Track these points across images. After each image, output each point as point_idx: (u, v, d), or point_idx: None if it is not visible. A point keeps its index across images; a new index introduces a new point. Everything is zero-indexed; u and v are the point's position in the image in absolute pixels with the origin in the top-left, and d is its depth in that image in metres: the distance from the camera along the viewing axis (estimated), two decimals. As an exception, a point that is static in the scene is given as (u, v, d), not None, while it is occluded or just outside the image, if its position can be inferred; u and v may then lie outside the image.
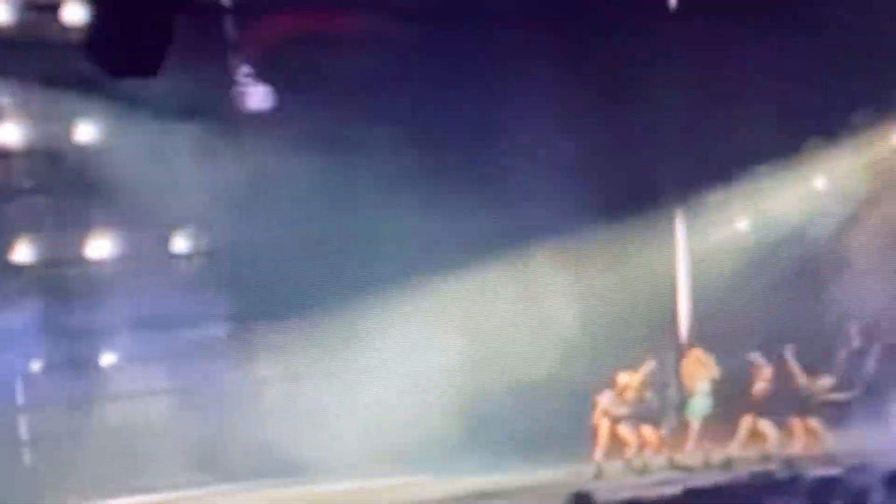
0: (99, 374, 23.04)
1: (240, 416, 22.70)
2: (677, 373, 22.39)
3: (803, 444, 20.87)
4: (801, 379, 21.09)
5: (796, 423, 21.07)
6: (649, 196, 23.77)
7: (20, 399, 22.94)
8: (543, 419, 22.95)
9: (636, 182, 23.50)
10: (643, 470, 21.06)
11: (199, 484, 21.77)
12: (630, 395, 21.35)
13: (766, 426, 20.95)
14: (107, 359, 23.35)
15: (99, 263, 23.21)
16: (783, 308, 23.24)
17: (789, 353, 21.26)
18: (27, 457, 22.74)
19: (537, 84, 23.20)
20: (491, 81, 23.28)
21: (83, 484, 21.44)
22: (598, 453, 21.21)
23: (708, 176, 23.72)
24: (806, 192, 24.11)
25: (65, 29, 21.18)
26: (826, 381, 21.41)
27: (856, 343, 23.33)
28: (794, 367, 21.13)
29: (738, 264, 23.65)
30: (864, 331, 23.33)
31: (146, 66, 13.07)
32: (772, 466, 18.58)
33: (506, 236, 23.16)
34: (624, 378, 21.43)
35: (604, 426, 21.25)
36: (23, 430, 22.90)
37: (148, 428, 21.21)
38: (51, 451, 22.37)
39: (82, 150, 22.67)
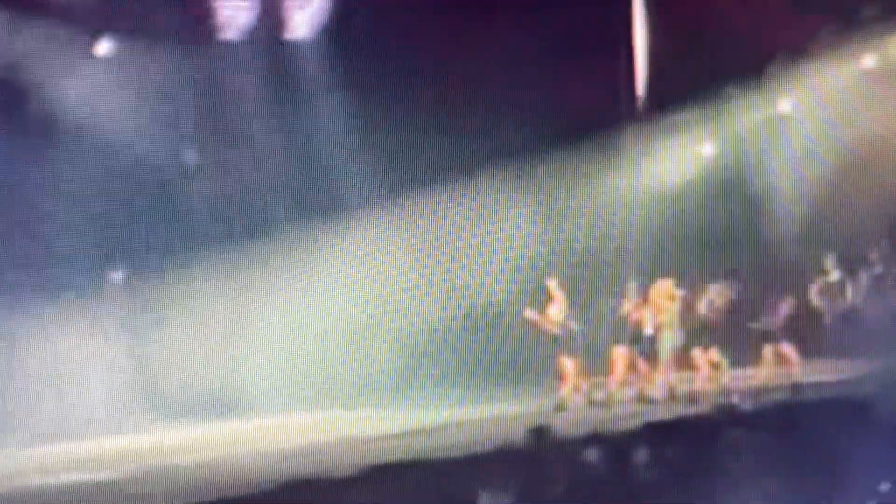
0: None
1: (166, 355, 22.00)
2: (645, 304, 21.58)
3: (773, 371, 20.25)
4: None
5: (767, 349, 20.38)
6: (615, 120, 23.48)
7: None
8: (502, 351, 22.84)
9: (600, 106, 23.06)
10: (606, 403, 20.50)
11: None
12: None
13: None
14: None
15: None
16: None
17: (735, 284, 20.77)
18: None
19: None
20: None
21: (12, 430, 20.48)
22: (563, 387, 20.58)
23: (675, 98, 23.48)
24: (770, 116, 23.92)
25: None
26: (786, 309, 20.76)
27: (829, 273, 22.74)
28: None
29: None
30: (833, 260, 22.74)
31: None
32: (735, 399, 18.09)
33: (464, 159, 22.84)
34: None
35: (568, 359, 20.67)
36: None
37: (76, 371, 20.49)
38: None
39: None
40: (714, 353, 20.30)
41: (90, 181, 21.29)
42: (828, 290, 22.48)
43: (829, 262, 22.55)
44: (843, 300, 22.40)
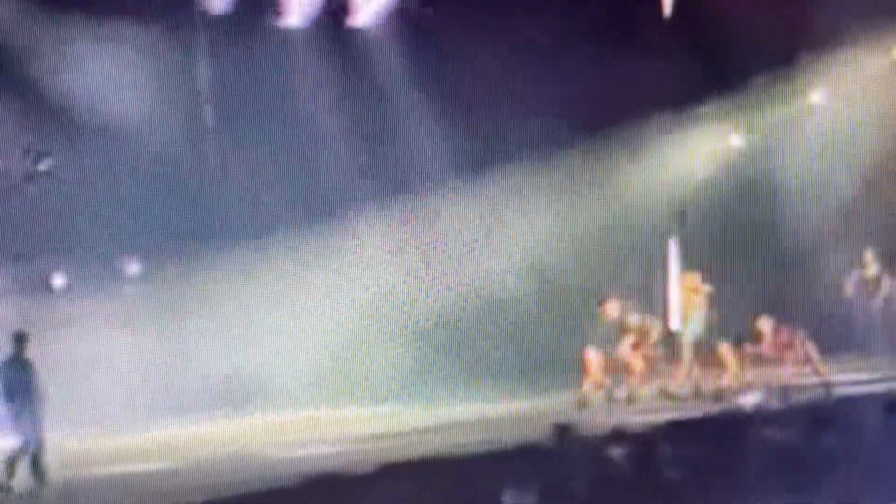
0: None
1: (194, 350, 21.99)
2: (669, 299, 21.45)
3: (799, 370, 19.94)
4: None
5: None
6: (639, 118, 23.36)
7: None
8: (528, 348, 22.92)
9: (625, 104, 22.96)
10: (630, 400, 20.33)
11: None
12: (619, 325, 20.67)
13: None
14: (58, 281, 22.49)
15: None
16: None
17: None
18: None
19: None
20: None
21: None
22: (586, 383, 20.49)
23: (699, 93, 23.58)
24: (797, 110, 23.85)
25: None
26: None
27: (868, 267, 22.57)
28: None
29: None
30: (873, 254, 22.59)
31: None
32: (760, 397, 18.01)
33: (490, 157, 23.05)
34: (612, 308, 20.73)
35: (592, 356, 20.54)
36: None
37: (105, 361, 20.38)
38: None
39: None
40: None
41: (156, 177, 21.75)
42: (865, 284, 22.28)
43: (869, 255, 22.39)
44: (880, 294, 22.21)
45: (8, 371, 16.74)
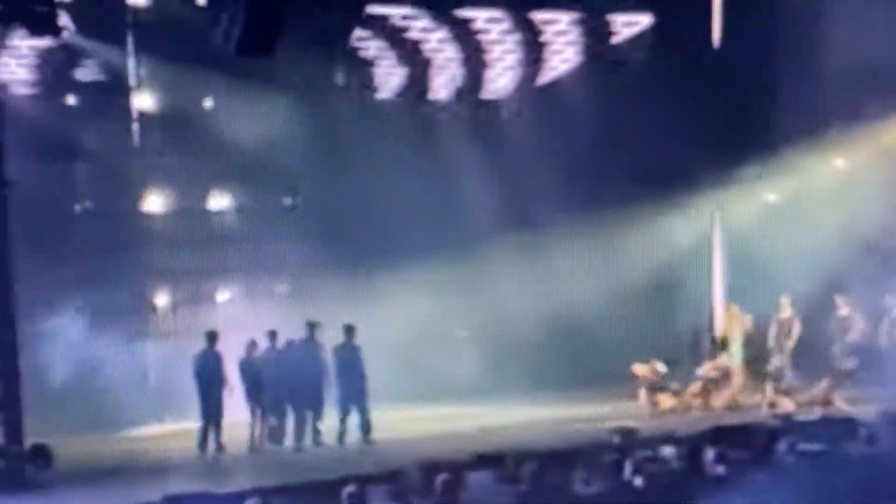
0: (215, 310, 23.86)
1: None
2: (714, 326, 22.55)
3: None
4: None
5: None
6: (688, 174, 23.86)
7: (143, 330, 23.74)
8: (596, 363, 23.39)
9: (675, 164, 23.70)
10: (678, 409, 21.08)
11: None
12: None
13: None
14: (222, 296, 24.37)
15: (216, 214, 24.25)
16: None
17: None
18: (150, 381, 23.56)
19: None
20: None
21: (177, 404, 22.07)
22: (639, 392, 21.47)
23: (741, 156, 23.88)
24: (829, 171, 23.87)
25: (194, 11, 21.97)
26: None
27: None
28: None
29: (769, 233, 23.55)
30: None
31: (263, 46, 13.98)
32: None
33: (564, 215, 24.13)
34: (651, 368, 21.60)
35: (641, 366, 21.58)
36: (143, 359, 23.61)
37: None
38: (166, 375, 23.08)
39: (205, 116, 23.55)
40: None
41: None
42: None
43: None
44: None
45: (342, 353, 19.41)
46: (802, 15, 21.91)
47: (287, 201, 24.04)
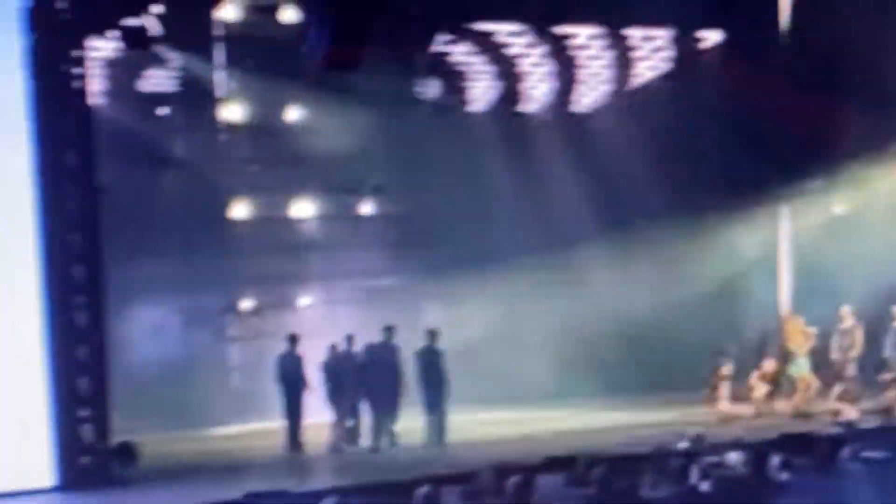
0: (297, 314, 24.27)
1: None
2: (780, 337, 22.47)
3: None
4: None
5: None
6: (756, 186, 23.96)
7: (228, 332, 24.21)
8: (666, 368, 23.66)
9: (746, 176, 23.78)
10: (758, 416, 21.13)
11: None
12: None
13: None
14: (303, 300, 24.78)
15: (299, 221, 24.68)
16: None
17: None
18: (234, 382, 24.00)
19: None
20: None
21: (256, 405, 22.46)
22: (718, 402, 21.53)
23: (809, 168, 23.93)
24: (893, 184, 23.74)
25: (281, 27, 22.55)
26: None
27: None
28: None
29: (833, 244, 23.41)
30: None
31: (349, 61, 14.41)
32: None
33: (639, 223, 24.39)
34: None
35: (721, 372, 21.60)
36: (228, 360, 24.06)
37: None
38: (249, 376, 23.55)
39: (291, 126, 23.97)
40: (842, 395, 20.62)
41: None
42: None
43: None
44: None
45: (426, 357, 19.84)
46: (869, 27, 21.85)
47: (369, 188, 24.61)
